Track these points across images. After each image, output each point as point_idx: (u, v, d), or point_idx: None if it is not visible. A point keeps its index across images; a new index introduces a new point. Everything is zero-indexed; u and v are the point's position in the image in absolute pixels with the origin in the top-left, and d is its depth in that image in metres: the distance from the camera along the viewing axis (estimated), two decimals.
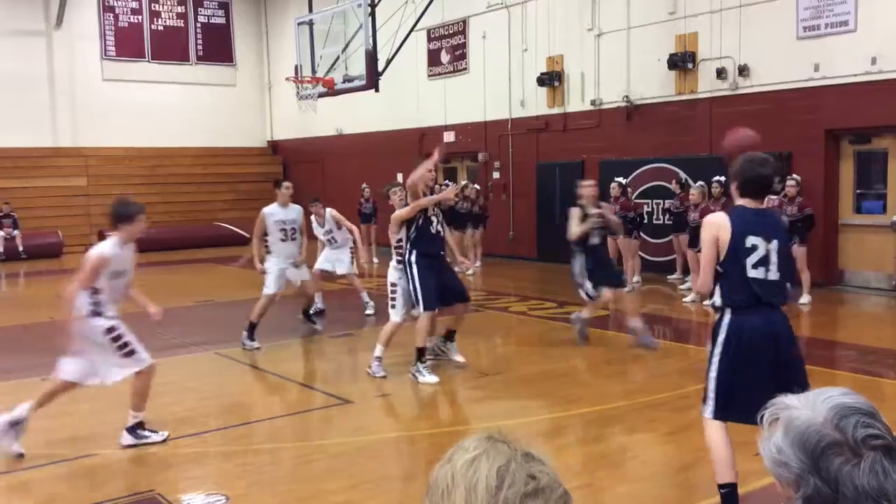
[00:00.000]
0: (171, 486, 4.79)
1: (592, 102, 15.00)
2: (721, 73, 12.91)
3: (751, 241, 3.95)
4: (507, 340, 9.33)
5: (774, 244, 3.98)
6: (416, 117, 18.51)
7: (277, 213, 8.60)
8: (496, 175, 16.94)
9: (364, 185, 16.86)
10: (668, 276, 12.95)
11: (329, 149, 21.38)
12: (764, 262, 3.96)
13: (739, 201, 4.07)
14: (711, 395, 4.06)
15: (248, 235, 12.84)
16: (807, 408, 1.35)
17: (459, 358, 7.62)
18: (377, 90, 13.54)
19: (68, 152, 20.58)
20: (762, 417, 1.40)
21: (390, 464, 5.50)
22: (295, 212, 8.64)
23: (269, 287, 8.58)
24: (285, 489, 4.89)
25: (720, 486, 4.12)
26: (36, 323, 10.66)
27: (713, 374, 4.04)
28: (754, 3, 12.43)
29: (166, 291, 10.80)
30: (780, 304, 4.07)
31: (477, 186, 15.47)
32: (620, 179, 12.53)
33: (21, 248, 18.33)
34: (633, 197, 13.15)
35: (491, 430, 1.12)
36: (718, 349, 4.02)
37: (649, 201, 13.76)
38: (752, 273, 3.94)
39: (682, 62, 13.33)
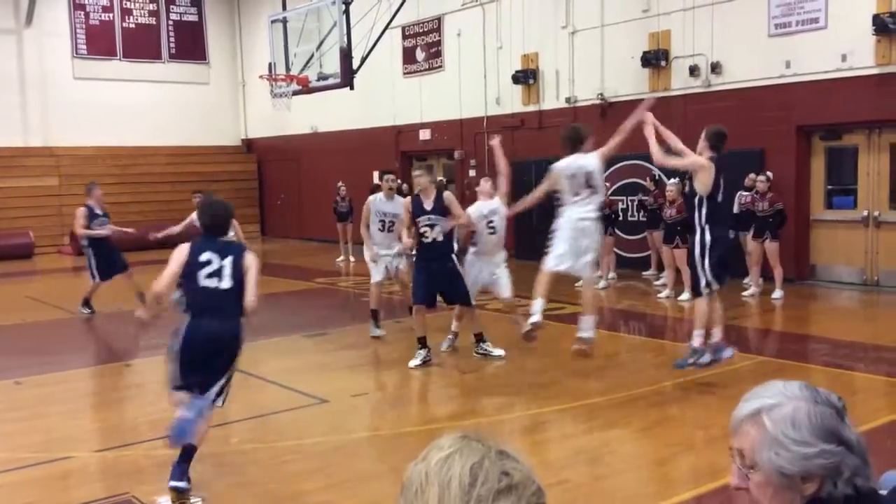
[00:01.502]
0: (146, 489, 4.75)
1: (567, 100, 15.06)
2: (694, 71, 13.02)
3: None
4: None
5: None
6: (392, 115, 18.48)
7: (381, 204, 8.75)
8: (472, 173, 16.95)
9: (340, 184, 16.80)
10: (643, 273, 13.04)
11: (304, 147, 21.29)
12: None
13: None
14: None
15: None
16: (787, 398, 1.36)
17: (498, 352, 7.95)
18: (352, 88, 13.50)
19: (39, 152, 20.30)
20: (737, 426, 1.40)
21: (367, 463, 5.49)
22: (398, 205, 8.59)
23: (376, 275, 8.83)
24: (263, 490, 4.86)
25: None
26: (7, 325, 10.51)
27: None
28: (727, 0, 12.54)
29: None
30: None
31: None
32: None
33: None
34: (609, 194, 13.20)
35: (466, 428, 1.13)
36: None
37: (624, 198, 13.84)
38: None
39: (655, 60, 13.43)
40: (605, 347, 8.38)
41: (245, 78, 23.18)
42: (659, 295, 11.24)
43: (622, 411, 6.17)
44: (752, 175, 11.17)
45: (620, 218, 13.44)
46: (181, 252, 4.80)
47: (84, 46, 21.12)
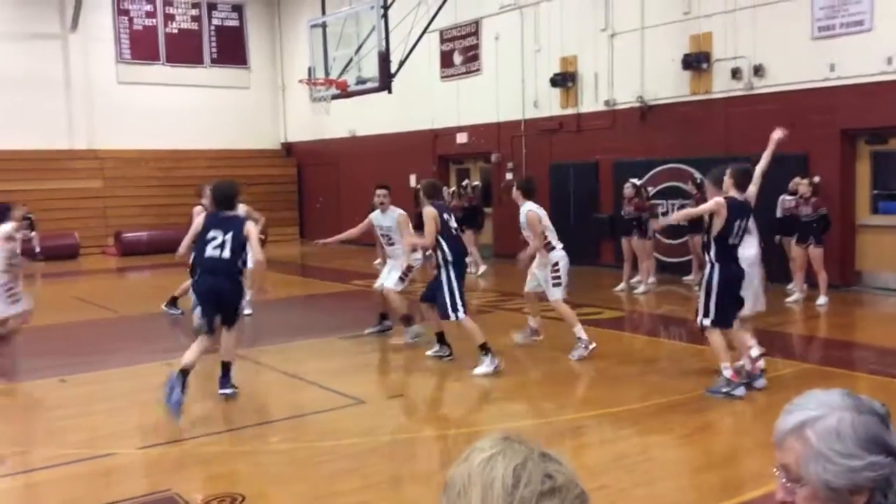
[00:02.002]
0: (188, 486, 4.81)
1: (606, 103, 14.96)
2: (736, 74, 12.84)
3: None
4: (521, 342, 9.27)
5: None
6: (429, 119, 18.52)
7: (378, 219, 9.24)
8: (509, 176, 16.91)
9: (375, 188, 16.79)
10: (684, 278, 12.89)
11: (342, 151, 21.42)
12: None
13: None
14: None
15: (262, 237, 12.77)
16: (831, 409, 1.33)
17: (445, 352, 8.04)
18: (390, 92, 13.55)
19: (84, 154, 20.71)
20: (782, 439, 1.37)
21: (403, 464, 5.50)
22: (391, 219, 9.11)
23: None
24: (300, 489, 4.90)
25: None
26: (53, 325, 10.73)
27: None
28: (769, 3, 12.35)
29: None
30: None
31: (476, 183, 15.74)
32: (634, 180, 12.49)
33: (38, 250, 18.46)
34: (648, 197, 13.07)
35: (507, 430, 1.12)
36: None
37: (664, 202, 13.70)
38: None
39: (696, 62, 13.27)
40: (644, 353, 8.30)
41: (285, 82, 23.41)
42: None
43: (662, 418, 6.10)
44: (797, 179, 10.99)
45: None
46: (198, 225, 6.75)
47: (128, 51, 21.52)
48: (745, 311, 6.87)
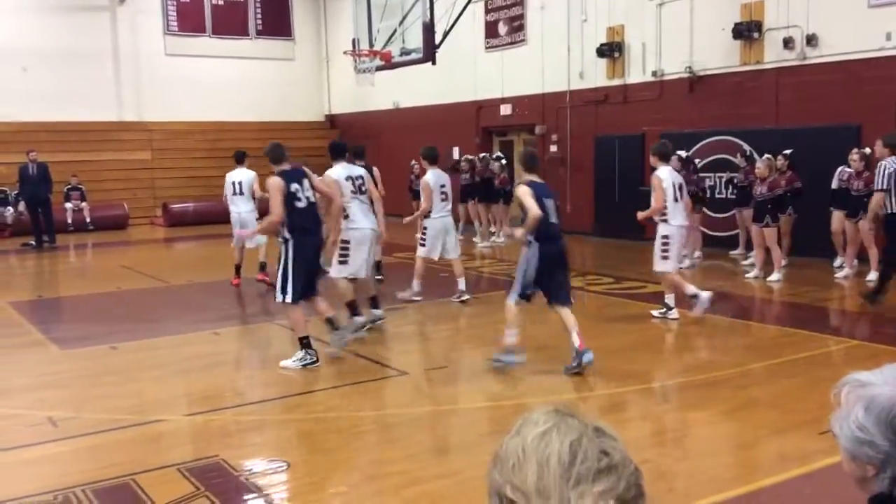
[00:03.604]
0: (233, 453, 4.90)
1: (653, 73, 14.69)
2: (788, 43, 12.48)
3: None
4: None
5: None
6: (473, 90, 18.38)
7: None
8: (553, 148, 16.76)
9: (413, 162, 16.69)
10: (731, 252, 12.67)
11: (385, 122, 21.41)
12: None
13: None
14: None
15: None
16: (887, 384, 1.31)
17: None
18: (434, 63, 13.46)
19: (133, 126, 21.03)
20: (836, 394, 1.37)
21: (445, 435, 5.53)
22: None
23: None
24: (343, 458, 4.96)
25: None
26: (104, 293, 10.99)
27: None
28: None
29: (231, 264, 11.02)
30: None
31: (503, 161, 15.61)
32: (681, 152, 12.25)
33: (89, 220, 18.88)
34: (697, 170, 12.82)
35: (557, 403, 1.10)
36: None
37: (712, 175, 13.45)
38: None
39: (747, 31, 12.93)
40: (688, 328, 8.20)
41: (329, 54, 23.42)
42: (747, 275, 10.90)
43: (705, 393, 6.03)
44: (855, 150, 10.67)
45: (709, 195, 13.06)
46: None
47: (175, 23, 21.70)
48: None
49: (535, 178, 6.54)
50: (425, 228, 9.44)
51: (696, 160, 12.93)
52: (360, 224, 7.87)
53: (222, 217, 12.57)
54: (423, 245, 9.48)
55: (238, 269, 10.81)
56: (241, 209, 10.95)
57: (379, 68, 14.12)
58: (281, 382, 6.60)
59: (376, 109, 21.34)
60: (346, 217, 7.73)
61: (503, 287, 10.77)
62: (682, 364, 6.96)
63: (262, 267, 10.71)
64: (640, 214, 8.36)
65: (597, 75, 15.70)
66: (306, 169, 7.09)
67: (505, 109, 17.88)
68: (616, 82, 15.40)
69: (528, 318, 8.65)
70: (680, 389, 6.18)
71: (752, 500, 4.27)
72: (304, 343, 6.83)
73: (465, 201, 15.70)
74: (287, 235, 6.65)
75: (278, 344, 7.99)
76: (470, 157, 16.27)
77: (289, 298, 6.69)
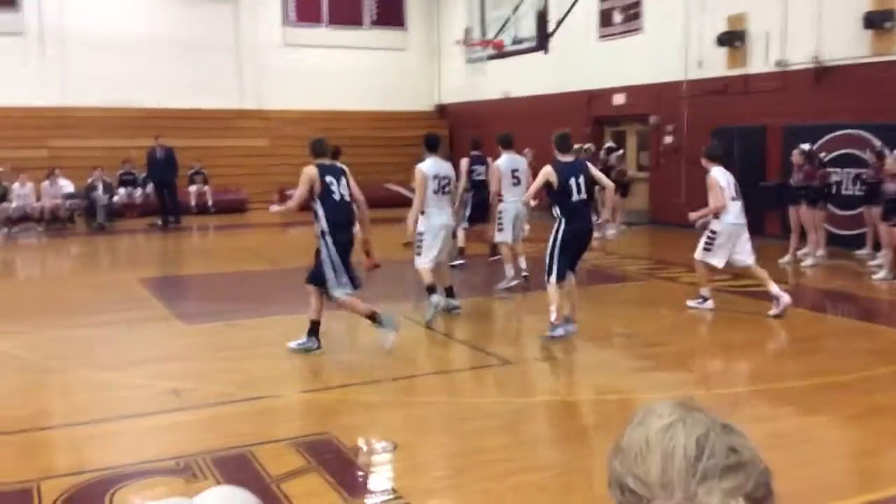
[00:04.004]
0: (343, 431, 5.03)
1: (777, 63, 14.06)
2: None
3: None
4: (676, 312, 9.00)
5: None
6: (585, 79, 18.08)
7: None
8: (668, 139, 16.32)
9: (526, 150, 16.55)
10: (856, 252, 12.02)
11: (495, 112, 21.36)
12: None
13: None
14: None
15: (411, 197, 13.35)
16: None
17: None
18: (546, 52, 13.36)
19: (252, 114, 21.81)
20: None
21: (548, 427, 5.50)
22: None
23: None
24: (447, 442, 5.01)
25: None
26: (223, 273, 11.47)
27: None
28: None
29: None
30: None
31: (620, 152, 15.32)
32: (805, 146, 11.71)
33: (210, 203, 19.73)
34: (822, 165, 12.21)
35: (681, 398, 1.07)
36: None
37: (839, 170, 12.78)
38: None
39: (879, 21, 12.18)
40: (808, 329, 7.85)
41: (440, 43, 23.57)
42: (874, 276, 10.32)
43: (825, 397, 5.75)
44: None
45: (834, 192, 12.42)
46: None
47: (293, 13, 22.34)
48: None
49: (567, 158, 7.25)
50: (500, 213, 9.63)
51: (822, 154, 12.31)
52: (435, 220, 8.12)
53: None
54: (500, 230, 9.69)
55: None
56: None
57: (490, 57, 14.14)
58: (387, 365, 6.72)
59: (486, 99, 21.33)
60: (423, 213, 8.06)
61: (614, 281, 10.63)
62: (802, 365, 6.67)
63: None
64: (693, 215, 8.47)
65: (716, 65, 15.17)
66: (346, 169, 7.06)
67: (618, 99, 17.53)
68: (736, 72, 14.83)
69: (638, 316, 8.52)
70: (800, 392, 5.92)
71: None
72: (373, 317, 6.75)
73: None
74: (325, 228, 6.69)
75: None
76: (588, 146, 16.02)
77: (339, 292, 6.71)
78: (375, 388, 6.05)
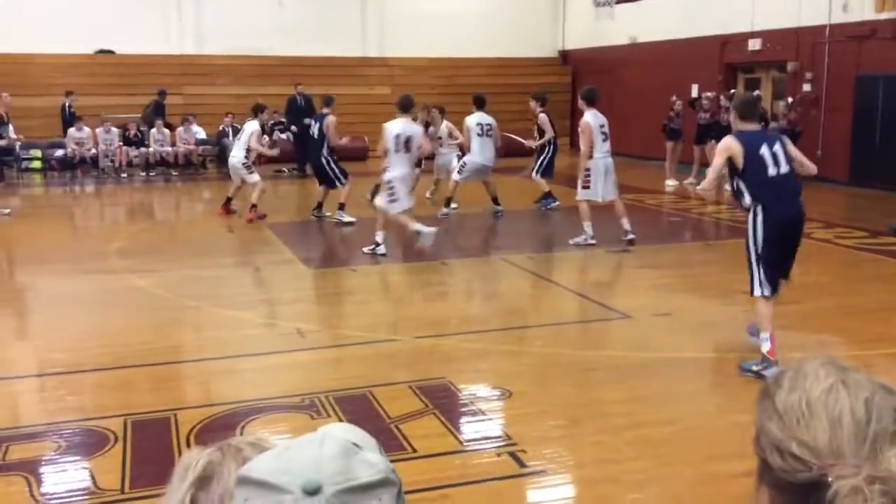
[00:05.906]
0: (459, 376, 5.11)
1: None
2: None
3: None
4: (806, 269, 8.53)
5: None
6: (719, 23, 17.18)
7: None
8: (807, 87, 15.37)
9: (674, 98, 15.84)
10: None
11: (621, 58, 20.68)
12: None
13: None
14: None
15: (530, 147, 13.62)
16: None
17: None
18: None
19: (375, 62, 22.00)
20: None
21: (669, 383, 5.37)
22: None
23: None
24: (564, 392, 5.00)
25: None
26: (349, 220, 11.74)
27: None
28: None
29: (468, 199, 11.42)
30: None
31: (789, 100, 14.57)
32: None
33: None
34: None
35: (822, 355, 1.00)
36: None
37: None
38: None
39: None
40: None
41: None
42: None
43: None
44: None
45: None
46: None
47: None
48: None
49: (751, 126, 5.39)
50: (587, 170, 9.37)
51: None
52: (476, 158, 11.68)
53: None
54: (586, 188, 9.35)
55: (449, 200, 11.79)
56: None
57: (619, 0, 13.60)
58: (504, 314, 6.74)
59: (612, 45, 20.66)
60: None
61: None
62: None
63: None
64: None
65: (863, 8, 14.07)
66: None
67: (753, 44, 16.59)
68: (885, 16, 13.71)
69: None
70: None
71: None
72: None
73: (703, 142, 14.76)
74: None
75: (503, 278, 8.15)
76: (710, 94, 15.33)
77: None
78: (491, 336, 6.09)
